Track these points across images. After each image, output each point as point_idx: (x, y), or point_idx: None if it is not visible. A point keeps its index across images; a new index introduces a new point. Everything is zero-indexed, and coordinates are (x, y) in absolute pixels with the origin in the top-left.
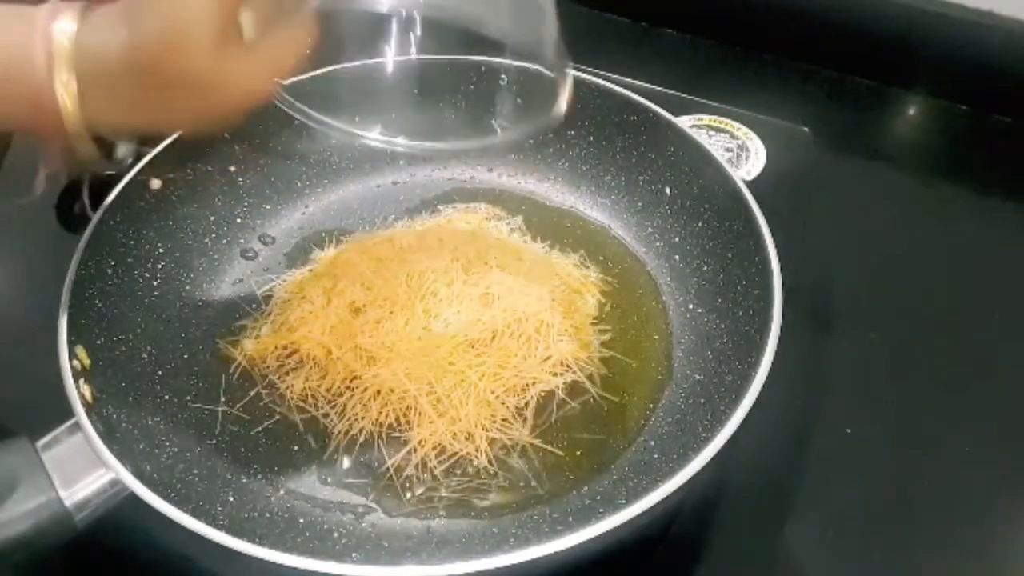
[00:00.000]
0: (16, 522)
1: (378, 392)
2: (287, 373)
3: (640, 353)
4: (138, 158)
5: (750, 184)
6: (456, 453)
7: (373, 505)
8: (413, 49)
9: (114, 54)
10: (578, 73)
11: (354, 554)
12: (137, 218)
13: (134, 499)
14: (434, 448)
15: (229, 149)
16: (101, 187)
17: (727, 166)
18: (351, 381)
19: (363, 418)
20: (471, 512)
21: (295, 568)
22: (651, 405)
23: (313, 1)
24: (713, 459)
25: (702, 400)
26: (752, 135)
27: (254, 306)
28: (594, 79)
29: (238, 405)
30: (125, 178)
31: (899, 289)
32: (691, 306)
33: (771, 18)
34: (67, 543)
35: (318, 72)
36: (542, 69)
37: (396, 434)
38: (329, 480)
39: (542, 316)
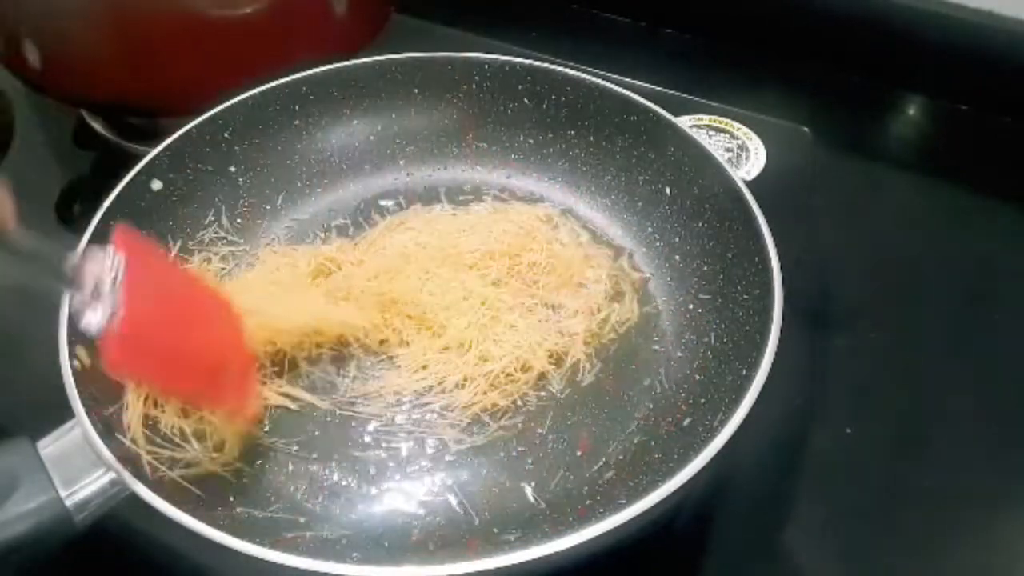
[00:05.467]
0: (16, 522)
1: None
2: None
3: (640, 354)
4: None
5: (750, 184)
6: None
7: (373, 505)
8: None
9: None
10: (578, 73)
11: (354, 554)
12: (137, 218)
13: (134, 499)
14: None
15: (229, 149)
16: (101, 187)
17: (727, 166)
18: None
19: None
20: (471, 512)
21: (295, 568)
22: (651, 405)
23: None
24: (713, 459)
25: (702, 400)
26: (752, 135)
27: None
28: (594, 79)
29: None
30: (125, 178)
31: (899, 289)
32: (691, 306)
33: (771, 18)
34: (67, 543)
35: None
36: None
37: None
38: (329, 479)
39: None
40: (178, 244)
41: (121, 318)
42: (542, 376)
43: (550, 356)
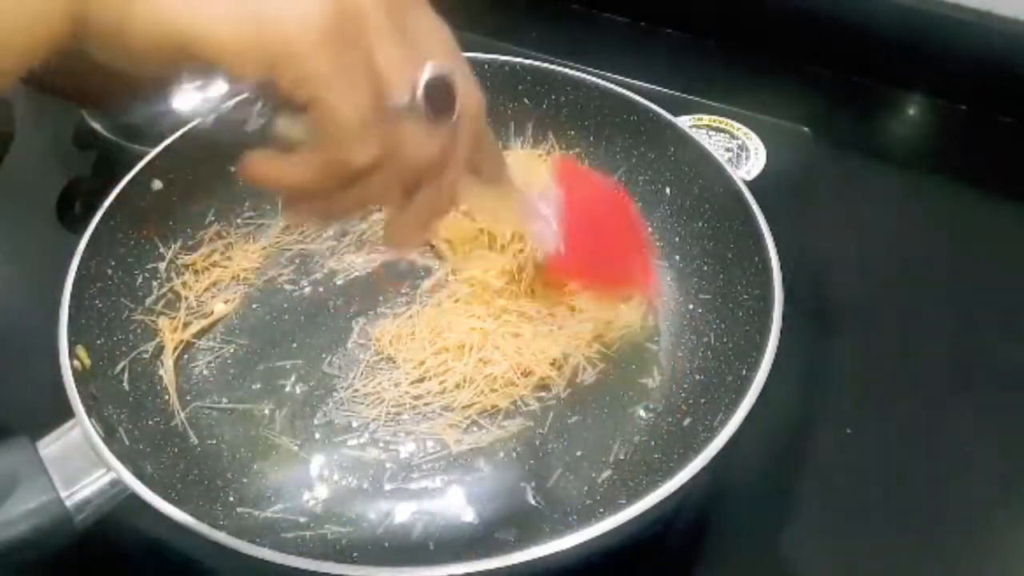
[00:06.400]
0: (16, 522)
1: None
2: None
3: (640, 354)
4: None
5: (750, 184)
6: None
7: (373, 504)
8: None
9: None
10: (578, 73)
11: (354, 554)
12: (137, 218)
13: (134, 499)
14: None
15: (229, 149)
16: (101, 187)
17: (727, 166)
18: None
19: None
20: (471, 512)
21: (295, 568)
22: (651, 405)
23: None
24: (713, 459)
25: (702, 400)
26: (752, 135)
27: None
28: (594, 79)
29: (240, 404)
30: (125, 178)
31: (899, 289)
32: (691, 306)
33: (771, 18)
34: (67, 543)
35: None
36: None
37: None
38: (330, 479)
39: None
40: (178, 244)
41: (562, 238)
42: (543, 380)
43: (552, 362)
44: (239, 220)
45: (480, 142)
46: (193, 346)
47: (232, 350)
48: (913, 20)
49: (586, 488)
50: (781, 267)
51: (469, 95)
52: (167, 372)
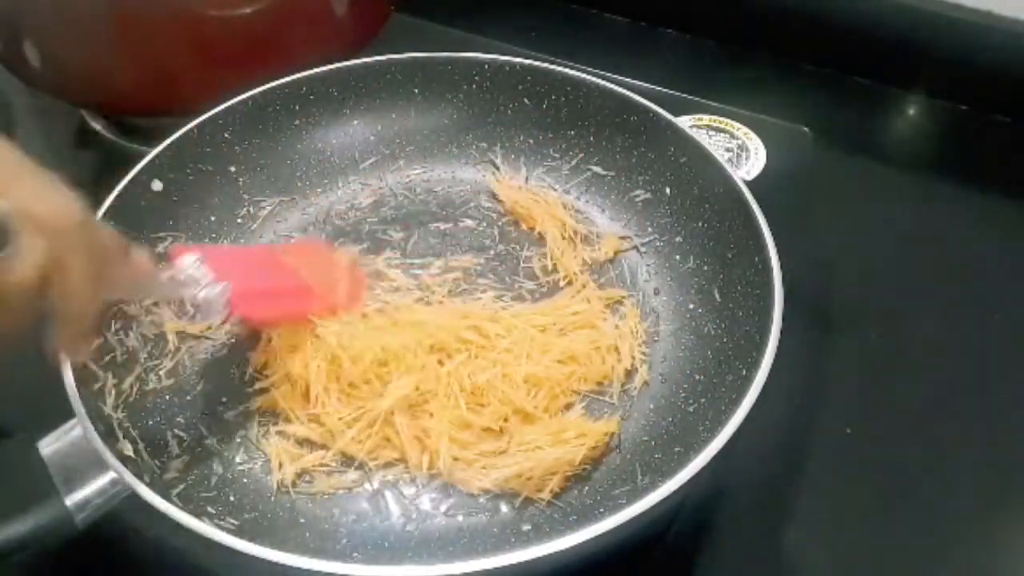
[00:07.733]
0: (16, 522)
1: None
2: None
3: (640, 355)
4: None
5: (750, 184)
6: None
7: (374, 504)
8: None
9: None
10: (578, 73)
11: (355, 554)
12: (137, 218)
13: (134, 499)
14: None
15: (229, 149)
16: (101, 187)
17: (727, 166)
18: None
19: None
20: (471, 512)
21: (296, 568)
22: (651, 405)
23: None
24: (713, 459)
25: (702, 400)
26: (752, 135)
27: None
28: (594, 79)
29: (239, 405)
30: (125, 178)
31: (899, 289)
32: (691, 306)
33: (771, 18)
34: (67, 543)
35: None
36: None
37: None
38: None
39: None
40: (178, 244)
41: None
42: None
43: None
44: (239, 220)
45: (92, 247)
46: (194, 346)
47: (232, 350)
48: (913, 20)
49: (586, 488)
50: (781, 267)
51: (50, 217)
52: (167, 371)
